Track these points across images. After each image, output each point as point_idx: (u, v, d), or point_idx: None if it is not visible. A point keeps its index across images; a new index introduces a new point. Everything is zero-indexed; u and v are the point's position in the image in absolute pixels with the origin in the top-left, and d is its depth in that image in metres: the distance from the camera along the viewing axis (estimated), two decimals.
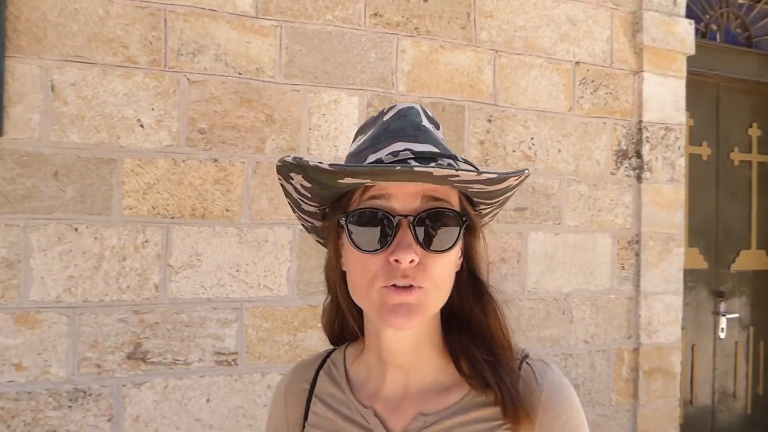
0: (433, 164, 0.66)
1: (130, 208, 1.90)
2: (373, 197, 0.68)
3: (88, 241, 1.85)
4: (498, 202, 0.75)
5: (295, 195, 0.74)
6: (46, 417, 1.80)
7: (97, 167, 1.87)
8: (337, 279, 0.76)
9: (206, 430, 1.96)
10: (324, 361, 0.83)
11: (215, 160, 2.00)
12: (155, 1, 1.94)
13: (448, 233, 0.68)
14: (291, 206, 0.78)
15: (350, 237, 0.68)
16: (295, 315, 2.08)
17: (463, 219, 0.70)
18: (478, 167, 0.70)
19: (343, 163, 0.71)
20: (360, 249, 0.68)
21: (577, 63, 2.51)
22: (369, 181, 0.67)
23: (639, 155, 2.61)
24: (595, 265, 2.53)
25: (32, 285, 1.80)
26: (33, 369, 1.80)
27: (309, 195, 0.72)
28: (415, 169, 0.62)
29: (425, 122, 0.72)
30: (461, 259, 0.75)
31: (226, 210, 2.00)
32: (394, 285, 0.66)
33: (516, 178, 0.69)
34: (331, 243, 0.75)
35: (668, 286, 2.66)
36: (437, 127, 0.75)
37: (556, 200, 2.47)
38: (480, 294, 0.75)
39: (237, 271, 2.01)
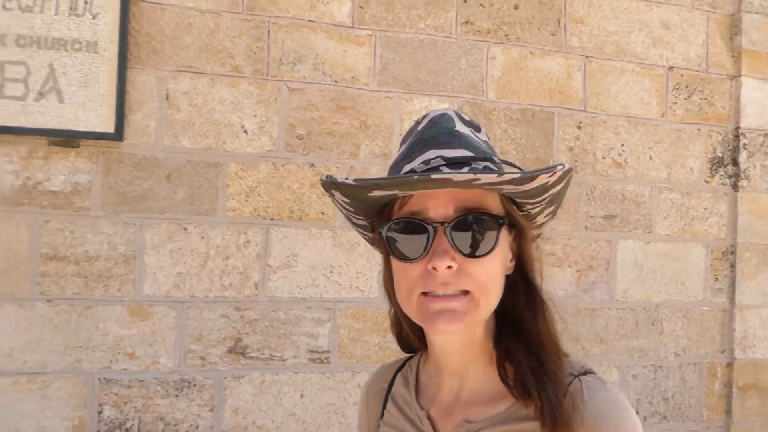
0: (465, 169, 0.67)
1: (234, 210, 2.01)
2: (410, 207, 0.69)
3: (195, 240, 1.97)
4: (544, 200, 0.72)
5: (343, 210, 0.76)
6: (155, 404, 1.92)
7: (204, 170, 1.98)
8: (391, 289, 0.77)
9: (299, 424, 2.04)
10: (403, 364, 0.87)
11: (312, 165, 2.08)
12: (260, 13, 2.04)
13: (486, 237, 0.67)
14: (349, 221, 0.80)
15: (390, 247, 0.70)
16: (384, 317, 2.12)
17: (500, 221, 0.69)
18: (522, 168, 0.68)
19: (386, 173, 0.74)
20: (399, 258, 0.69)
21: (671, 68, 2.44)
22: (397, 191, 0.68)
23: (735, 163, 2.51)
24: (687, 275, 2.45)
25: (146, 280, 1.93)
26: (144, 359, 1.92)
27: (352, 209, 0.74)
28: (432, 176, 0.63)
29: (459, 127, 0.72)
30: (512, 261, 0.74)
31: (321, 213, 2.08)
32: (432, 293, 0.67)
33: (549, 174, 0.65)
34: (383, 255, 0.77)
35: (765, 299, 2.53)
36: (477, 129, 0.74)
37: (646, 208, 2.41)
38: (531, 297, 0.74)
39: (330, 272, 2.08)
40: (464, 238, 0.67)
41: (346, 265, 2.09)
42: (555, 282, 2.27)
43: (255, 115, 2.03)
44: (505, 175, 0.63)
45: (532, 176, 0.64)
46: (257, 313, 2.01)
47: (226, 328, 1.98)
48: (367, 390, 0.89)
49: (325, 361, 2.07)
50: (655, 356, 2.41)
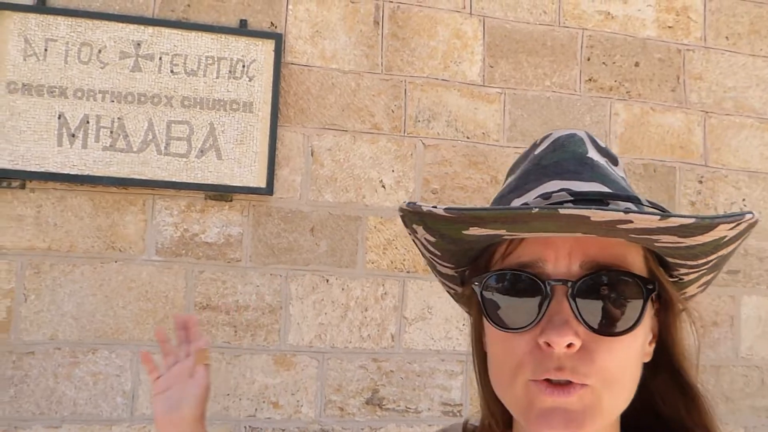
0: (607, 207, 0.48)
1: (372, 263, 2.06)
2: (519, 256, 0.51)
3: (336, 292, 2.02)
4: (708, 263, 0.52)
5: (426, 253, 0.58)
6: None
7: (345, 224, 2.05)
8: (478, 361, 0.59)
9: None
10: None
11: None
12: (397, 73, 2.13)
13: (628, 307, 0.49)
14: (430, 269, 0.62)
15: (485, 308, 0.52)
16: None
17: (649, 287, 0.50)
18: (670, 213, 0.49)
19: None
20: (499, 326, 0.51)
21: None
22: (504, 231, 0.49)
23: None
24: None
25: (290, 330, 1.99)
26: (287, 408, 1.96)
27: (438, 252, 0.56)
28: (561, 211, 0.44)
29: (592, 153, 0.55)
30: (652, 344, 0.55)
31: None
32: (547, 380, 0.48)
33: (732, 224, 0.46)
34: (473, 316, 0.59)
35: None
36: (614, 162, 0.57)
37: None
38: (681, 390, 0.56)
39: (463, 324, 2.10)
40: (594, 307, 0.49)
41: None
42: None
43: (392, 170, 2.10)
44: (672, 219, 0.44)
45: (710, 224, 0.45)
46: (393, 365, 2.04)
47: (364, 379, 2.02)
48: None
49: (458, 413, 2.07)
50: None
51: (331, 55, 2.09)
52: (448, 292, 0.65)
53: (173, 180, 1.92)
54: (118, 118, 1.91)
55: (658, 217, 0.44)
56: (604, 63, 2.30)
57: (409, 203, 0.51)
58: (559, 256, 0.49)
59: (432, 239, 0.54)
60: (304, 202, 2.03)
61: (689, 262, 0.51)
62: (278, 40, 2.02)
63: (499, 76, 2.21)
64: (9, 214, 1.86)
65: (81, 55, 1.90)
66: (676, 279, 0.54)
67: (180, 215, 1.94)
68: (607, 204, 0.50)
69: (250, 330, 1.96)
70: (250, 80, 1.99)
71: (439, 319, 2.09)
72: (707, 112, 2.38)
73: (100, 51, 1.91)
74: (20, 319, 1.84)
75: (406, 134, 2.13)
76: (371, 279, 2.06)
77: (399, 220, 2.09)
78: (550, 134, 0.57)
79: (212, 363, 1.92)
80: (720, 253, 0.50)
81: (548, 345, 0.48)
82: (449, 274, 0.60)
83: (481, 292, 0.52)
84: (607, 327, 0.48)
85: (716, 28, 2.41)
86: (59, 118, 1.88)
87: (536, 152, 0.56)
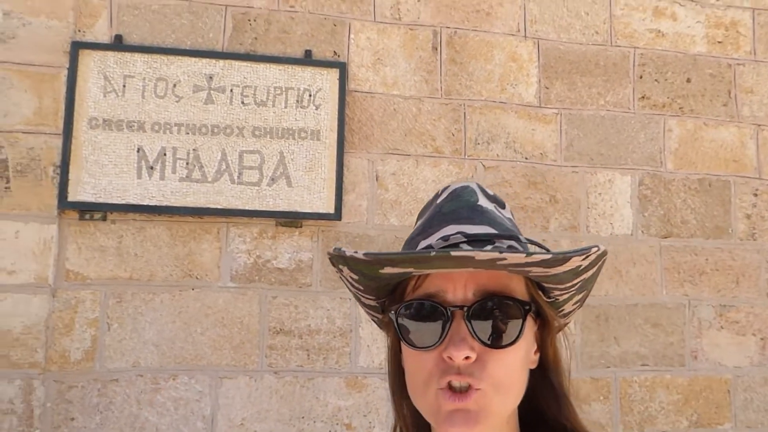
0: (489, 247, 0.60)
1: None
2: (425, 288, 0.62)
3: None
4: (574, 285, 0.64)
5: (351, 288, 0.69)
6: None
7: None
8: (395, 379, 0.70)
9: None
10: None
11: None
12: (456, 97, 2.19)
13: (510, 325, 0.60)
14: (356, 300, 0.73)
15: (401, 332, 0.63)
16: (579, 387, 2.15)
17: (526, 308, 0.62)
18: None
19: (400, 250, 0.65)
20: (411, 345, 0.62)
21: None
22: (412, 269, 0.61)
23: None
24: None
25: (360, 352, 2.03)
26: (360, 429, 2.00)
27: (361, 287, 0.67)
28: (452, 253, 0.55)
29: (482, 201, 0.67)
30: (537, 354, 0.67)
31: None
32: (449, 385, 0.59)
33: (583, 257, 0.58)
34: (390, 338, 0.70)
35: None
36: (501, 206, 0.69)
37: None
38: (554, 392, 0.67)
39: None
40: (485, 326, 0.60)
41: None
42: (740, 350, 2.26)
43: None
44: (534, 256, 0.57)
45: (564, 258, 0.58)
46: None
47: None
48: None
49: None
50: None
51: (393, 82, 2.15)
52: (371, 319, 0.76)
53: (246, 208, 1.98)
54: (194, 150, 1.97)
55: (524, 255, 0.57)
56: (656, 80, 2.33)
57: (335, 248, 0.62)
58: (457, 286, 0.61)
59: (355, 277, 0.65)
60: (371, 226, 2.08)
61: (559, 286, 0.64)
62: (342, 68, 2.08)
63: (554, 97, 2.25)
64: (92, 245, 1.93)
65: (157, 89, 1.97)
66: (552, 299, 0.66)
67: (253, 242, 2.00)
68: (494, 242, 0.62)
69: (322, 353, 2.00)
70: (316, 108, 2.05)
71: None
72: (759, 125, 2.40)
73: (174, 85, 1.99)
74: (104, 347, 1.90)
75: (466, 157, 2.17)
76: None
77: None
78: (449, 186, 0.69)
79: (287, 386, 1.97)
80: (582, 278, 0.63)
81: (450, 358, 0.59)
82: (371, 305, 0.71)
83: (396, 319, 0.63)
84: (495, 341, 0.60)
85: (765, 42, 2.44)
86: (138, 151, 1.95)
87: (437, 201, 0.68)
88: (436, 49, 2.19)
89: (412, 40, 2.18)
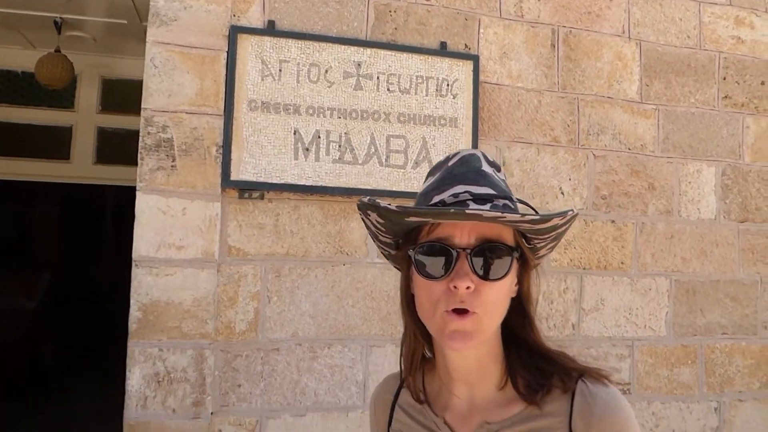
0: (487, 205, 0.76)
1: (555, 261, 2.31)
2: (437, 233, 0.78)
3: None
4: (550, 237, 0.82)
5: (373, 228, 0.85)
6: None
7: None
8: (406, 302, 0.85)
9: None
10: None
11: (613, 221, 2.39)
12: (571, 91, 2.37)
13: (501, 264, 0.76)
14: (371, 237, 0.88)
15: (417, 266, 0.78)
16: (671, 353, 2.42)
17: (514, 253, 0.78)
18: (537, 209, 0.82)
19: (416, 199, 0.85)
20: (425, 276, 0.78)
21: None
22: (430, 219, 0.77)
23: None
24: None
25: None
26: None
27: (384, 229, 0.83)
28: (467, 211, 0.71)
29: (485, 167, 0.81)
30: (517, 286, 0.82)
31: (621, 263, 2.39)
32: (454, 310, 0.75)
33: (561, 218, 0.77)
34: (403, 270, 0.85)
35: None
36: (498, 170, 0.84)
37: None
38: (524, 315, 0.84)
39: (629, 314, 2.38)
40: (482, 264, 0.76)
41: (641, 308, 2.40)
42: None
43: (569, 179, 2.35)
44: (526, 217, 0.73)
45: (547, 218, 0.75)
46: (575, 351, 2.30)
47: None
48: (375, 401, 0.96)
49: (627, 391, 2.36)
50: None
51: (517, 75, 2.31)
52: (382, 253, 0.92)
53: (393, 189, 2.11)
54: (345, 133, 2.09)
55: (519, 215, 0.74)
56: (737, 82, 2.59)
57: (370, 198, 0.78)
58: (463, 233, 0.77)
59: (381, 221, 0.81)
60: None
61: (540, 237, 0.81)
62: (476, 61, 2.22)
63: (653, 94, 2.48)
64: (251, 222, 2.02)
65: (310, 75, 2.07)
66: (532, 246, 0.83)
67: None
68: (493, 201, 0.77)
69: None
70: (453, 98, 2.19)
71: (610, 309, 2.36)
72: None
73: (326, 71, 2.08)
74: (265, 319, 2.02)
75: (579, 146, 2.37)
76: (555, 276, 2.31)
77: (576, 223, 2.34)
78: (459, 152, 0.84)
79: None
80: (557, 231, 0.81)
81: (455, 287, 0.75)
82: (387, 242, 0.87)
83: (414, 256, 0.79)
84: (489, 275, 0.76)
85: None
86: (294, 133, 2.04)
87: (449, 164, 0.83)
88: (554, 46, 2.36)
89: (534, 37, 2.35)
